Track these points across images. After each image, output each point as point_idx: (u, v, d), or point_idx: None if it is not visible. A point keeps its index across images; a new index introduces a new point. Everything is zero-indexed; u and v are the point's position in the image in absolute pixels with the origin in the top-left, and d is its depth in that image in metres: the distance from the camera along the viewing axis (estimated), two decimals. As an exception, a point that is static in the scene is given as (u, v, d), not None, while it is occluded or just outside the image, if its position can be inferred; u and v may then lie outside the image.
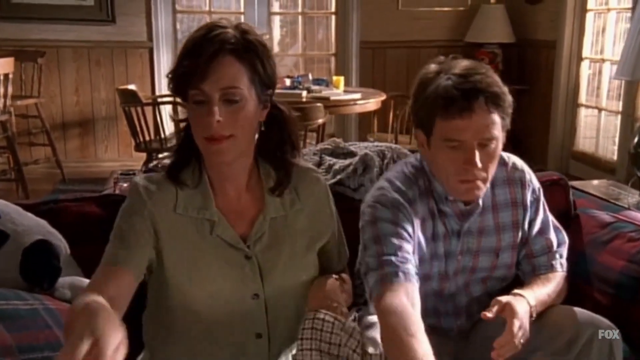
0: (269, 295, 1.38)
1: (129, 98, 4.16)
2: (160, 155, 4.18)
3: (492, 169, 1.46)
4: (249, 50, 1.29)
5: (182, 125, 1.40)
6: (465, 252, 1.57)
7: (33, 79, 4.90)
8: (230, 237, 1.38)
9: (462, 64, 1.44)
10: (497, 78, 1.44)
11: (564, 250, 1.67)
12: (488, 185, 1.52)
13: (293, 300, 1.42)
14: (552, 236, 1.66)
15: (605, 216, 1.94)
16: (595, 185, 2.59)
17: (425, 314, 1.42)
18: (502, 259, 1.61)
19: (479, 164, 1.40)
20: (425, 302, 1.45)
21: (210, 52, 1.25)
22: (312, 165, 1.98)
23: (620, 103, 4.66)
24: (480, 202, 1.54)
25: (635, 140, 2.62)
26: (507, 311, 1.41)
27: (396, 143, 4.20)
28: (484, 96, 1.37)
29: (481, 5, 5.60)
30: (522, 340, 1.40)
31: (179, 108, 4.02)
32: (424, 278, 1.50)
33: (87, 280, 1.43)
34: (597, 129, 5.12)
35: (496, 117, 1.40)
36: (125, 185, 2.26)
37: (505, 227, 1.59)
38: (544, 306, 1.53)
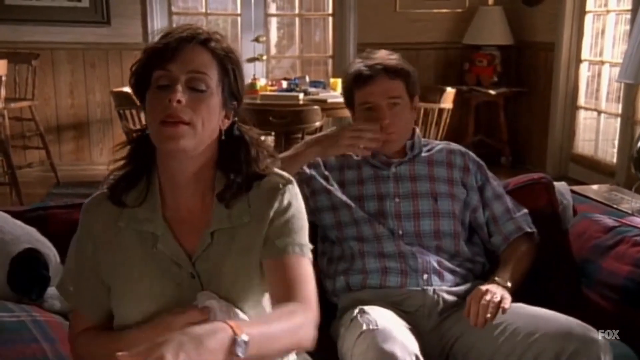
0: None
1: (124, 100, 4.11)
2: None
3: (400, 125, 1.82)
4: (223, 52, 1.24)
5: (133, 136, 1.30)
6: (402, 197, 1.81)
7: (27, 81, 4.85)
8: (173, 252, 1.24)
9: (378, 52, 1.90)
10: (400, 60, 1.88)
11: (528, 217, 1.88)
12: (400, 140, 1.84)
13: None
14: (510, 204, 1.88)
15: (609, 220, 1.92)
16: (596, 190, 2.55)
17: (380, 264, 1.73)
18: (441, 205, 1.80)
19: (388, 120, 1.78)
20: (371, 246, 1.74)
21: (183, 37, 1.21)
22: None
23: (620, 105, 4.63)
24: (406, 152, 1.85)
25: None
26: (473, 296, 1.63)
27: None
28: (383, 67, 1.82)
29: (479, 7, 5.57)
30: (496, 298, 1.58)
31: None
32: (363, 221, 1.76)
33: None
34: (596, 131, 5.10)
35: (397, 83, 1.82)
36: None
37: (439, 179, 1.84)
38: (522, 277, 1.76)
